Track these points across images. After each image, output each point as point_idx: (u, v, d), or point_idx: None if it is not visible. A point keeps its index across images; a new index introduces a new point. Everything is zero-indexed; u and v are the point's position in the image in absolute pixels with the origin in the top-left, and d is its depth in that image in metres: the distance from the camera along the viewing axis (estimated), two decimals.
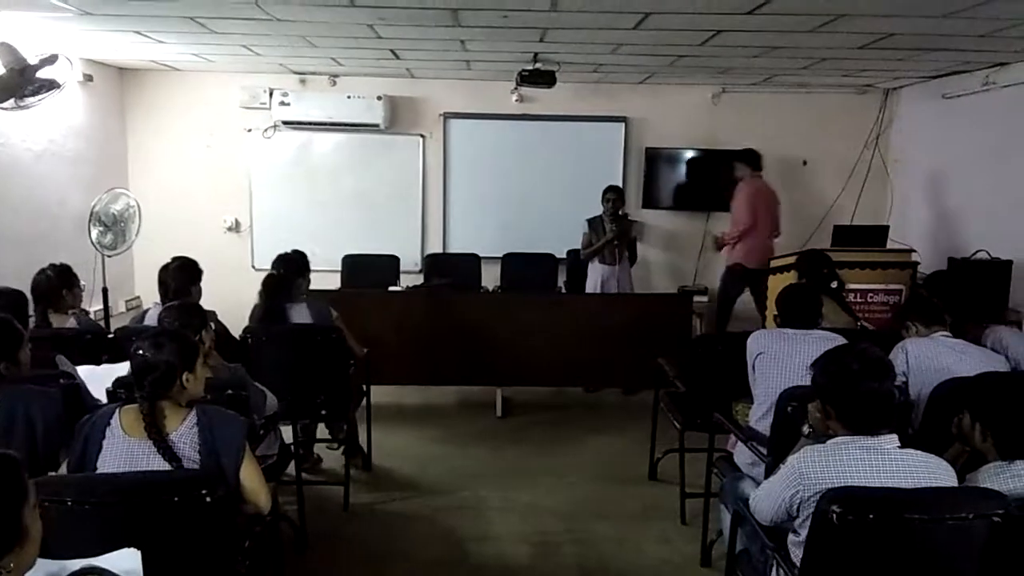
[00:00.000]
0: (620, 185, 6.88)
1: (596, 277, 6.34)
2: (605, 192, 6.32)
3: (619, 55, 5.65)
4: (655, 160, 7.46)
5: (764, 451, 3.07)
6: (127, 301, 7.04)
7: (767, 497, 2.34)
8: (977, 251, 5.40)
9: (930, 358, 3.18)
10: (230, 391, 2.91)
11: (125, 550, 1.80)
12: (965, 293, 4.10)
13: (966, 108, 6.15)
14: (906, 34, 4.68)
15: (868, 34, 4.71)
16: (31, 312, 3.70)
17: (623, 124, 7.42)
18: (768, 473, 2.73)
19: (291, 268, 4.45)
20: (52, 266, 3.97)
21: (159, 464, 2.29)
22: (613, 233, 6.19)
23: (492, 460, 4.93)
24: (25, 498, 1.45)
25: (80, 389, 2.92)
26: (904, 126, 7.19)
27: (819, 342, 3.18)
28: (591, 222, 6.32)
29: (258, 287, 4.41)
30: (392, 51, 5.73)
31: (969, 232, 5.82)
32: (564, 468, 4.80)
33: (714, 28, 4.66)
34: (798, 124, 7.38)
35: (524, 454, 5.02)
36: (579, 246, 6.55)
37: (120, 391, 2.87)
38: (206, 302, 3.76)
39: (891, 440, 2.20)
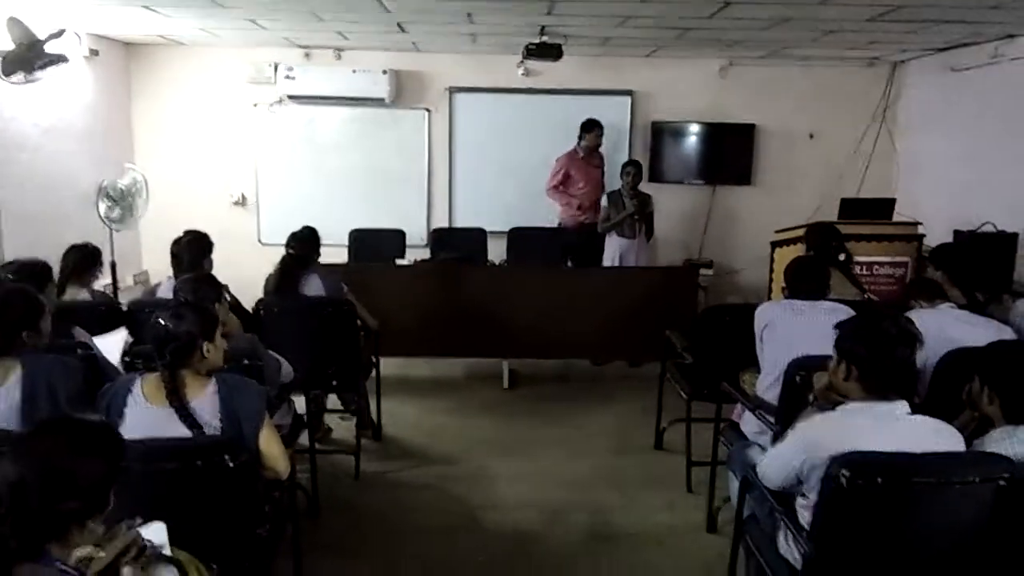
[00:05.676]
0: (622, 158, 6.88)
1: (614, 250, 6.36)
2: (625, 166, 6.34)
3: (626, 28, 5.63)
4: (661, 134, 7.46)
5: (772, 420, 3.11)
6: (135, 275, 7.08)
7: (776, 463, 2.39)
8: (983, 224, 5.41)
9: (935, 327, 3.18)
10: (246, 360, 2.95)
11: (153, 524, 1.84)
12: (971, 265, 4.11)
13: (974, 81, 6.13)
14: (914, 6, 4.66)
15: (876, 5, 4.69)
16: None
17: (629, 98, 7.41)
18: (775, 441, 2.78)
19: (305, 246, 4.49)
20: (86, 245, 4.07)
21: (181, 431, 2.34)
22: (634, 207, 6.20)
23: (500, 430, 4.99)
24: (119, 473, 1.53)
25: (98, 359, 2.97)
26: (912, 99, 7.18)
27: (827, 313, 3.21)
28: (610, 196, 6.34)
29: (265, 261, 4.46)
30: (399, 24, 5.71)
31: (976, 205, 5.83)
32: (571, 438, 4.86)
33: (722, 0, 4.65)
34: (805, 97, 7.37)
35: (531, 425, 5.08)
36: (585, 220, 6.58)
37: (137, 361, 2.92)
38: (214, 276, 3.80)
39: (902, 406, 2.24)
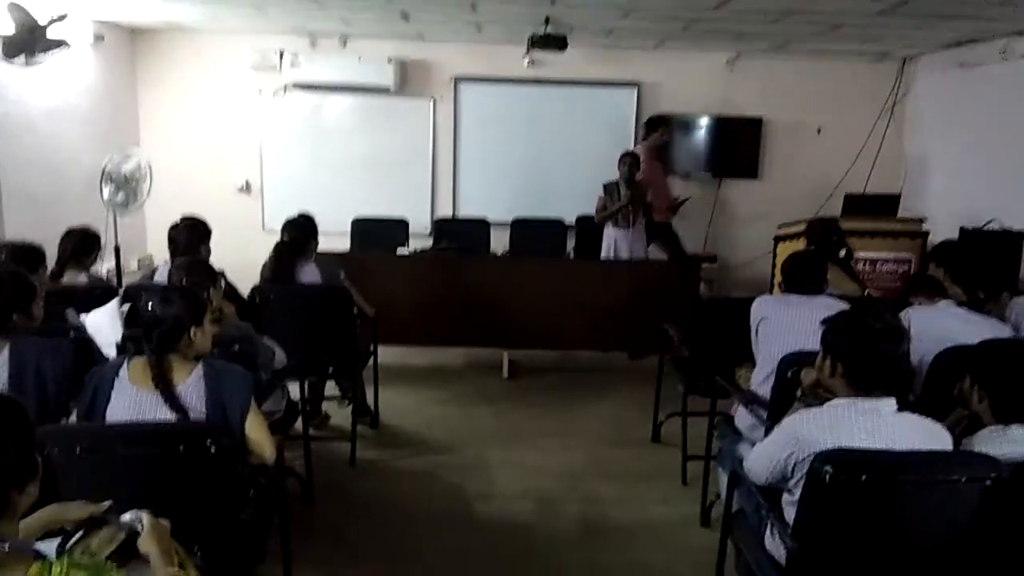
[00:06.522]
0: (633, 151, 6.84)
1: (610, 240, 6.36)
2: (622, 157, 6.32)
3: (631, 19, 5.59)
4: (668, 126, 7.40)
5: (764, 415, 3.09)
6: (139, 260, 7.10)
7: (762, 458, 2.37)
8: (989, 221, 5.36)
9: (933, 325, 3.18)
10: (237, 346, 2.95)
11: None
12: (973, 263, 4.08)
13: (984, 77, 6.07)
14: (921, 0, 4.60)
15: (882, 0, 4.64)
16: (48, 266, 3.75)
17: (635, 90, 7.37)
18: (767, 436, 2.76)
19: (299, 232, 4.49)
20: (85, 229, 4.08)
21: (166, 415, 2.34)
22: (627, 198, 6.19)
23: (497, 421, 4.99)
24: (35, 439, 1.52)
25: (90, 342, 2.98)
26: (921, 95, 7.11)
27: (823, 308, 3.16)
28: (607, 187, 6.33)
29: (268, 248, 4.47)
30: (402, 12, 5.69)
31: (983, 202, 5.78)
32: (568, 430, 4.86)
33: None
34: (813, 92, 7.32)
35: (529, 415, 5.08)
36: (589, 212, 6.55)
37: (129, 344, 2.92)
38: (216, 262, 3.79)
39: (889, 403, 2.21)
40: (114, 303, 3.08)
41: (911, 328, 3.18)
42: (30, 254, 3.39)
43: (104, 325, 2.99)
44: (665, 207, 6.68)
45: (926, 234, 5.61)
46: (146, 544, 1.67)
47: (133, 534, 1.71)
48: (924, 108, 7.06)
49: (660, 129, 6.74)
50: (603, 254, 6.40)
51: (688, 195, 6.77)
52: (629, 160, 6.26)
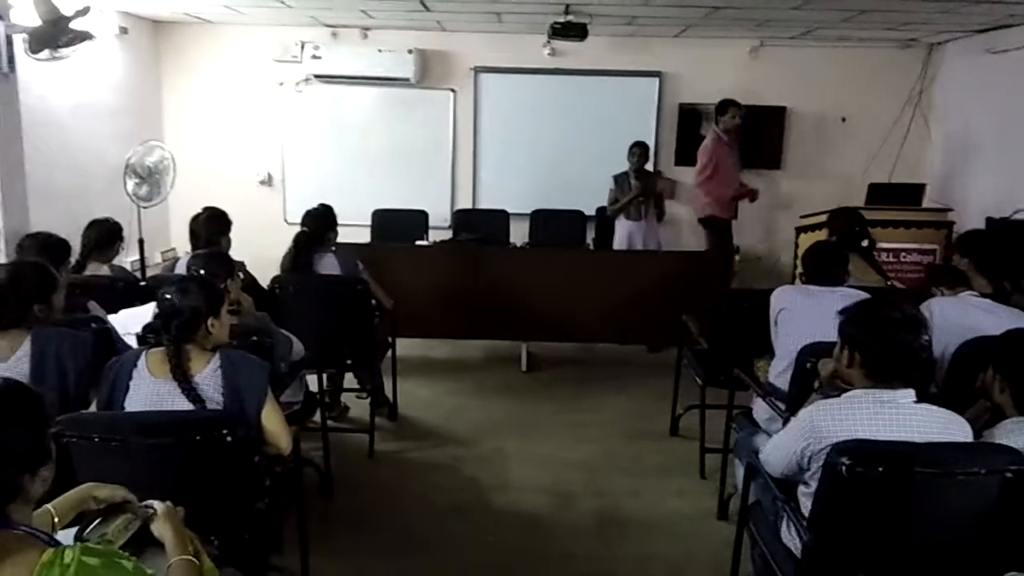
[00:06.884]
0: (649, 142, 6.78)
1: (623, 233, 6.32)
2: (631, 147, 6.27)
3: (653, 7, 5.54)
4: (690, 116, 7.35)
5: (782, 406, 3.06)
6: (163, 252, 7.18)
7: (778, 449, 2.35)
8: (1016, 211, 5.25)
9: (956, 316, 3.13)
10: (255, 337, 2.98)
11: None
12: (999, 253, 4.00)
13: (1012, 63, 5.94)
14: None
15: None
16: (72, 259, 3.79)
17: (657, 79, 7.31)
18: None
19: (318, 223, 4.50)
20: (107, 220, 4.12)
21: (183, 405, 2.37)
22: (637, 189, 6.14)
23: (515, 413, 4.98)
24: (49, 425, 1.54)
25: (111, 333, 3.02)
26: (948, 82, 6.98)
27: (843, 299, 3.10)
28: (617, 178, 6.28)
29: (290, 240, 4.49)
30: (422, 1, 5.68)
31: (1012, 191, 5.67)
32: (586, 422, 4.84)
33: None
34: (838, 80, 7.21)
35: (547, 408, 5.07)
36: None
37: (149, 335, 2.95)
38: (239, 254, 3.82)
39: (907, 395, 2.18)
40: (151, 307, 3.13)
41: (933, 318, 3.17)
42: (56, 247, 3.42)
43: (137, 320, 3.04)
44: (727, 199, 6.39)
45: (951, 224, 5.52)
46: (160, 528, 1.70)
47: (148, 522, 1.73)
48: (951, 96, 6.93)
49: (730, 110, 6.30)
50: (616, 247, 6.34)
51: (757, 187, 6.47)
52: (638, 150, 6.20)
